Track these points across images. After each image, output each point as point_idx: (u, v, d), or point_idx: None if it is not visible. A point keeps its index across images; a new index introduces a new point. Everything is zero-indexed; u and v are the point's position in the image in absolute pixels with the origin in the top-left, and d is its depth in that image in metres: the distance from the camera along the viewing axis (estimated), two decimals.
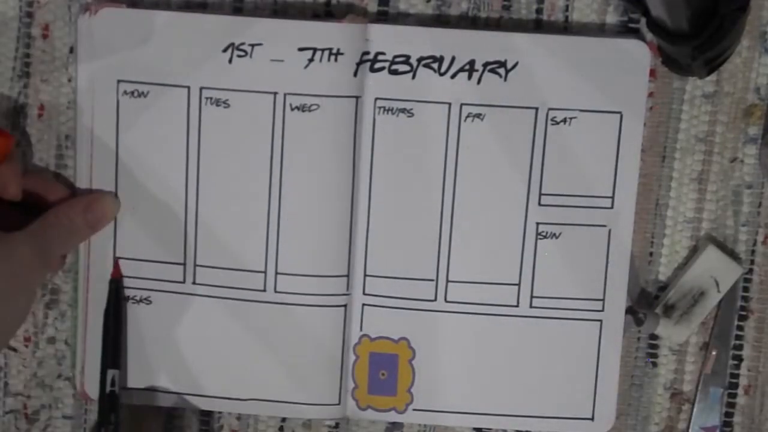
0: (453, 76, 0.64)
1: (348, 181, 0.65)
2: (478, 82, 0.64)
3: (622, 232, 0.65)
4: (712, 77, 0.65)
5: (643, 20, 0.63)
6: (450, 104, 0.64)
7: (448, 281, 0.66)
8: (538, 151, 0.65)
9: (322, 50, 0.63)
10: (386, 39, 0.64)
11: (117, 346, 0.66)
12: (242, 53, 0.64)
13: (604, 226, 0.65)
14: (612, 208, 0.65)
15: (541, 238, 0.65)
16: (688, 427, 0.68)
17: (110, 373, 0.65)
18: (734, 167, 0.66)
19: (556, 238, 0.65)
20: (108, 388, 0.65)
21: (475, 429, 0.68)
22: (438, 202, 0.65)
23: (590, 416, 0.66)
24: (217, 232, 0.65)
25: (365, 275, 0.66)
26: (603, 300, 0.66)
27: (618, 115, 0.64)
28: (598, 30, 0.65)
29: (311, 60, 0.63)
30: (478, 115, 0.64)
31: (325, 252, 0.65)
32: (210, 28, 0.63)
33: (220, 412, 0.68)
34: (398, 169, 0.65)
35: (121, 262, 0.66)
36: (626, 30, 0.65)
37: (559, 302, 0.66)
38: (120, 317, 0.66)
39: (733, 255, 0.66)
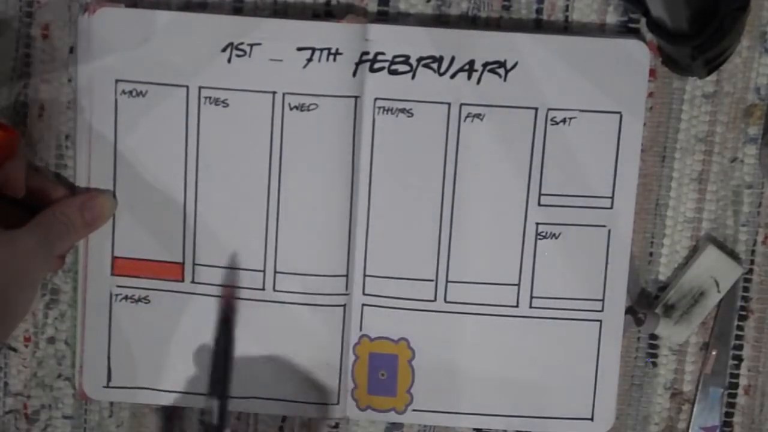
0: (453, 76, 0.64)
1: (347, 181, 0.65)
2: (478, 82, 0.64)
3: (622, 232, 0.65)
4: (712, 77, 0.65)
5: (643, 20, 0.63)
6: (450, 104, 0.64)
7: (447, 281, 0.66)
8: (538, 151, 0.65)
9: (321, 50, 0.63)
10: (386, 39, 0.64)
11: (226, 376, 0.64)
12: (241, 53, 0.64)
13: (604, 226, 0.65)
14: (612, 208, 0.65)
15: (540, 238, 0.65)
16: (688, 427, 0.67)
17: (211, 402, 0.64)
18: (734, 167, 0.66)
19: (556, 238, 0.65)
20: (210, 419, 0.63)
21: (474, 429, 0.68)
22: (437, 203, 0.65)
23: (590, 416, 0.66)
24: (216, 231, 0.65)
25: (365, 275, 0.66)
26: (603, 300, 0.66)
27: (618, 115, 0.64)
28: (598, 30, 0.65)
29: (310, 60, 0.63)
30: (477, 115, 0.64)
31: (324, 252, 0.65)
32: (209, 27, 0.64)
33: None
34: (398, 169, 0.65)
35: (118, 261, 0.66)
36: (626, 30, 0.65)
37: (559, 302, 0.66)
38: (229, 348, 0.65)
39: (733, 255, 0.66)
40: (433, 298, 0.66)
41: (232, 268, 0.66)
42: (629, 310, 0.66)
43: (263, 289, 0.65)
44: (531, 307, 0.66)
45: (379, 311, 0.66)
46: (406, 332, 0.66)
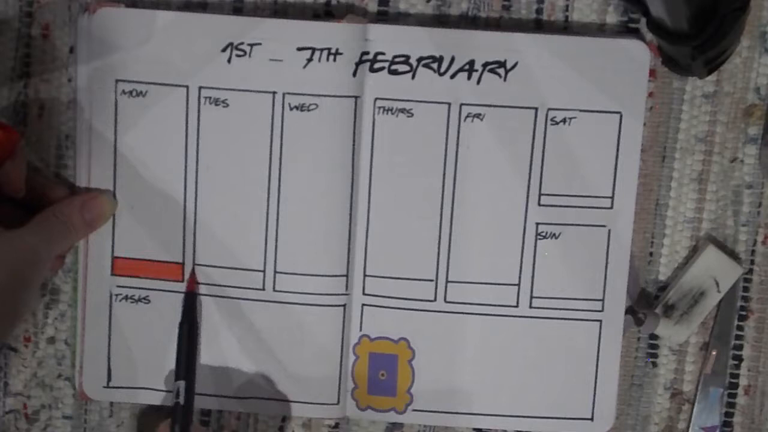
0: (453, 76, 0.64)
1: (347, 181, 0.65)
2: (478, 82, 0.64)
3: (622, 232, 0.65)
4: (712, 77, 0.65)
5: (643, 20, 0.63)
6: (450, 104, 0.64)
7: (447, 281, 0.66)
8: (538, 151, 0.65)
9: (321, 50, 0.63)
10: (386, 39, 0.64)
11: (190, 359, 0.65)
12: (241, 53, 0.64)
13: (604, 226, 0.65)
14: (612, 208, 0.65)
15: (540, 238, 0.65)
16: (688, 427, 0.67)
17: (177, 384, 0.65)
18: (734, 167, 0.66)
19: (556, 238, 0.65)
20: (174, 399, 0.65)
21: (475, 429, 0.68)
22: (437, 203, 0.65)
23: (590, 416, 0.66)
24: (215, 231, 0.65)
25: (365, 275, 0.66)
26: (603, 300, 0.66)
27: (618, 115, 0.64)
28: (598, 30, 0.65)
29: (310, 60, 0.63)
30: (477, 115, 0.64)
31: (324, 251, 0.65)
32: (209, 27, 0.64)
33: (220, 412, 0.68)
34: (398, 169, 0.65)
35: (118, 261, 0.66)
36: (626, 30, 0.65)
37: (559, 302, 0.66)
38: (194, 331, 0.66)
39: (733, 255, 0.66)
40: (433, 298, 0.66)
41: (231, 267, 0.66)
42: (629, 310, 0.66)
43: (263, 289, 0.65)
44: (531, 307, 0.66)
45: (379, 311, 0.66)
46: (406, 332, 0.66)
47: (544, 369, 0.66)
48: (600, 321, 0.66)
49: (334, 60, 0.63)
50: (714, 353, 0.67)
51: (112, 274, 0.66)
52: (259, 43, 0.63)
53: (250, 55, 0.64)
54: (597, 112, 0.64)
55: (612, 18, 0.65)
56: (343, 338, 0.66)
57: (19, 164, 0.61)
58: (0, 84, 0.65)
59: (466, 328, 0.66)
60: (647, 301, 0.67)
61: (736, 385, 0.67)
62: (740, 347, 0.67)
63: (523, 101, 0.64)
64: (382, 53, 0.64)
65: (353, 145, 0.64)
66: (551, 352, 0.66)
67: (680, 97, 0.65)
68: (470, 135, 0.64)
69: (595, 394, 0.66)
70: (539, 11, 0.65)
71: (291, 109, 0.64)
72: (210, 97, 0.64)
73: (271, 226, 0.65)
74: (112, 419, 0.68)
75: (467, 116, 0.64)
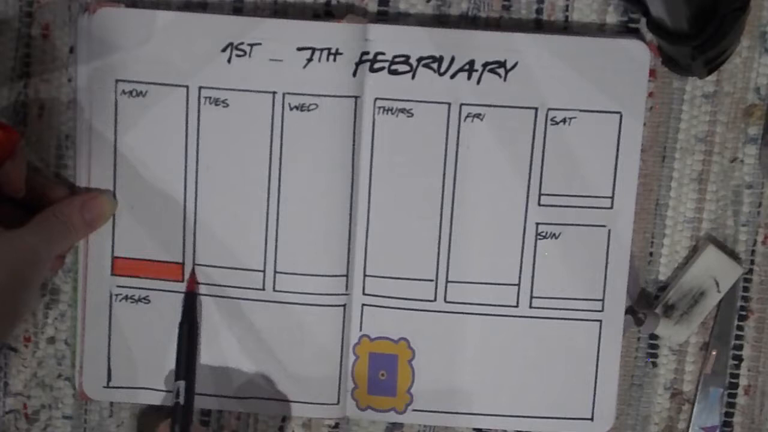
0: (453, 76, 0.64)
1: (347, 181, 0.65)
2: (478, 82, 0.64)
3: (622, 232, 0.65)
4: (712, 77, 0.65)
5: (643, 20, 0.63)
6: (450, 104, 0.64)
7: (447, 281, 0.66)
8: (538, 151, 0.65)
9: (321, 50, 0.63)
10: (386, 39, 0.64)
11: (190, 359, 0.65)
12: (241, 53, 0.64)
13: (604, 226, 0.65)
14: (612, 208, 0.65)
15: (540, 238, 0.65)
16: (688, 427, 0.67)
17: (177, 384, 0.65)
18: (734, 167, 0.66)
19: (556, 238, 0.65)
20: (174, 399, 0.65)
21: (475, 429, 0.68)
22: (437, 203, 0.65)
23: (590, 416, 0.66)
24: (215, 231, 0.65)
25: (365, 275, 0.66)
26: (603, 300, 0.66)
27: (618, 115, 0.64)
28: (598, 30, 0.65)
29: (310, 60, 0.63)
30: (477, 115, 0.64)
31: (324, 251, 0.65)
32: (209, 27, 0.64)
33: (220, 412, 0.68)
34: (398, 169, 0.65)
35: (118, 261, 0.66)
36: (626, 30, 0.65)
37: (559, 302, 0.66)
38: (194, 331, 0.66)
39: (733, 255, 0.66)
40: (433, 298, 0.66)
41: (231, 267, 0.66)
42: (629, 310, 0.66)
43: (263, 289, 0.65)
44: (531, 307, 0.66)
45: (379, 311, 0.66)
46: (406, 332, 0.66)
47: (544, 369, 0.66)
48: (600, 321, 0.66)
49: (334, 60, 0.63)
50: (714, 353, 0.67)
51: (112, 274, 0.66)
52: (259, 43, 0.63)
53: (250, 55, 0.64)
54: (597, 112, 0.64)
55: (612, 18, 0.65)
56: (343, 338, 0.66)
57: (19, 164, 0.61)
58: (0, 84, 0.65)
59: (466, 328, 0.66)
60: (647, 301, 0.67)
61: (736, 385, 0.67)
62: (740, 347, 0.67)
63: (523, 101, 0.64)
64: (382, 53, 0.64)
65: (353, 145, 0.64)
66: (551, 352, 0.66)
67: (680, 97, 0.65)
68: (470, 135, 0.64)
69: (595, 394, 0.66)
70: (539, 11, 0.65)
71: (291, 109, 0.64)
72: (210, 97, 0.64)
73: (271, 226, 0.65)
74: (112, 419, 0.68)
75: (467, 116, 0.64)
